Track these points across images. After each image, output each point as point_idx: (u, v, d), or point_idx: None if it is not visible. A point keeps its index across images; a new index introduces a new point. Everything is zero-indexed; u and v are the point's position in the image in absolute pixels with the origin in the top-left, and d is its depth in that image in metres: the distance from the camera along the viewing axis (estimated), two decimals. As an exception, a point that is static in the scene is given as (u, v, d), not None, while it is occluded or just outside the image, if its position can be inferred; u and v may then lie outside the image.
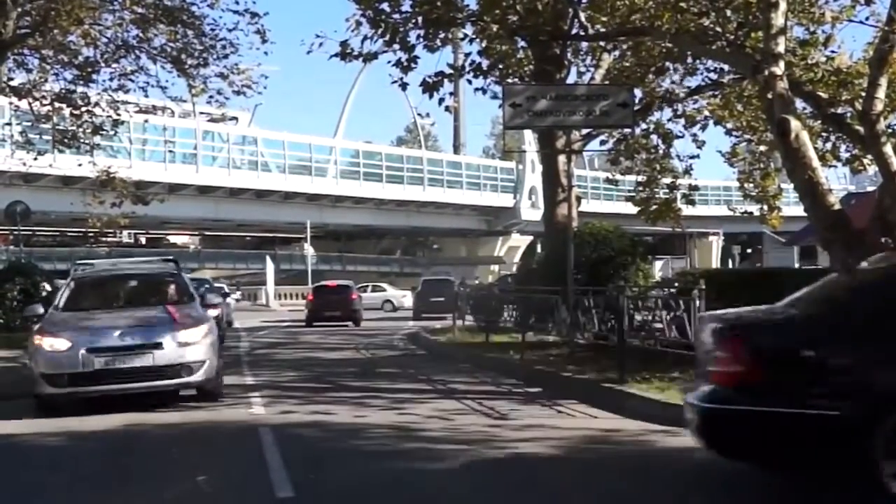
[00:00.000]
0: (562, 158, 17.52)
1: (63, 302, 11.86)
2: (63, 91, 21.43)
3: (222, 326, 18.53)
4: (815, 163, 11.56)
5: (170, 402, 10.80)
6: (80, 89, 21.32)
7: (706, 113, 20.89)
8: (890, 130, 14.32)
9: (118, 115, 21.75)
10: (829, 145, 18.92)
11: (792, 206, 26.31)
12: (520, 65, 19.39)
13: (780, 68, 11.50)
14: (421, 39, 16.10)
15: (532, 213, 61.40)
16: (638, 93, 18.28)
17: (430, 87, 15.58)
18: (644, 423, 8.96)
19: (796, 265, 32.32)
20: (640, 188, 21.93)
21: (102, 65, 20.98)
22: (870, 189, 25.33)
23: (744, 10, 13.90)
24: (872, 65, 12.02)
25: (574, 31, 17.25)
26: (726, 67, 17.39)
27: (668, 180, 21.67)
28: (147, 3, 19.89)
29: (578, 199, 19.10)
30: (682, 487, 6.77)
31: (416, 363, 16.44)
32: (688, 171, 21.95)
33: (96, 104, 21.23)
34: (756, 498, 6.47)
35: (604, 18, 16.96)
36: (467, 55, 18.23)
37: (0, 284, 20.69)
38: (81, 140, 22.43)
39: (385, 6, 15.92)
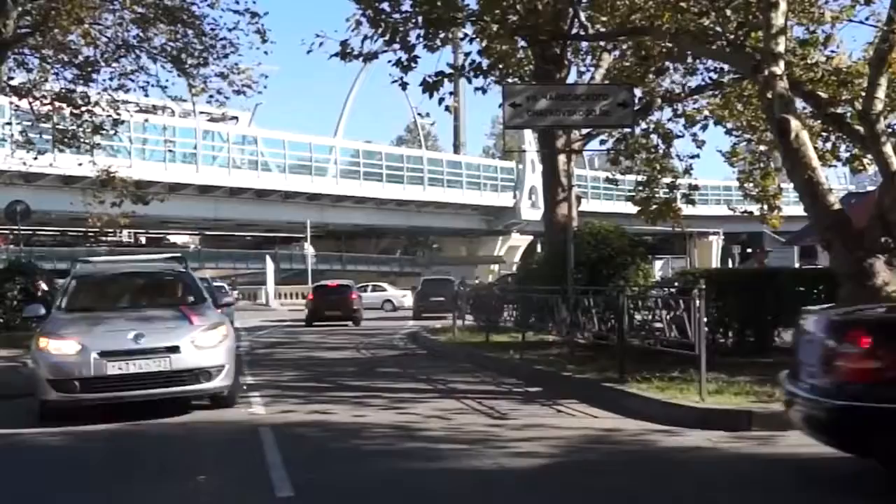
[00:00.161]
0: (562, 158, 17.51)
1: (66, 302, 11.11)
2: (63, 90, 21.44)
3: None
4: (815, 162, 11.56)
5: (170, 402, 10.59)
6: (80, 89, 21.34)
7: (706, 113, 20.88)
8: (890, 130, 14.32)
9: (118, 114, 21.78)
10: (829, 145, 18.91)
11: (792, 206, 26.30)
12: (520, 64, 19.38)
13: (780, 68, 11.50)
14: (421, 39, 16.09)
15: (532, 212, 61.46)
16: (638, 92, 18.28)
17: (430, 87, 15.56)
18: (644, 423, 8.97)
19: (796, 265, 32.32)
20: (640, 188, 21.91)
21: (102, 64, 21.00)
22: (870, 189, 25.32)
23: (744, 10, 13.88)
24: (872, 65, 12.03)
25: (574, 31, 17.24)
26: (726, 67, 17.38)
27: (668, 180, 21.64)
28: (147, 2, 19.91)
29: (578, 198, 19.08)
30: (682, 487, 6.77)
31: (416, 363, 16.45)
32: (688, 171, 21.94)
33: (96, 104, 21.25)
34: (756, 497, 6.46)
35: (604, 18, 16.96)
36: (467, 55, 18.21)
37: (0, 284, 20.72)
38: (81, 139, 22.45)
39: (385, 6, 15.92)
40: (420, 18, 15.65)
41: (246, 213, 59.20)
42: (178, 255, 13.31)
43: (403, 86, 16.20)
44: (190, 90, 21.95)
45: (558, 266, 14.87)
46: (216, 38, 20.40)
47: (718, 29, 13.47)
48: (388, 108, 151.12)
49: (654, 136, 21.25)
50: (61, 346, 9.79)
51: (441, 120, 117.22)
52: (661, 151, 21.45)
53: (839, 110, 14.99)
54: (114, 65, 21.09)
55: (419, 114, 25.94)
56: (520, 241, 68.36)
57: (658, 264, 34.96)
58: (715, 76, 18.89)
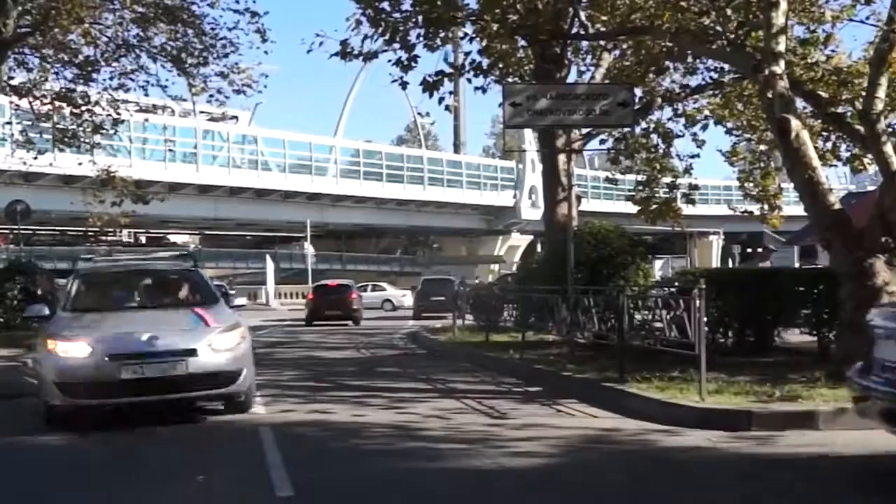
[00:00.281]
0: (562, 157, 17.51)
1: (72, 301, 10.51)
2: (63, 90, 21.46)
3: None
4: (815, 162, 11.55)
5: (178, 405, 10.18)
6: (80, 88, 21.37)
7: (706, 112, 20.86)
8: (890, 130, 14.29)
9: (118, 114, 21.79)
10: (829, 145, 18.88)
11: (792, 206, 26.29)
12: (520, 64, 19.37)
13: (780, 67, 11.49)
14: (421, 38, 16.09)
15: (532, 212, 61.48)
16: (638, 92, 18.27)
17: (430, 87, 15.56)
18: (644, 423, 8.97)
19: (796, 265, 32.31)
20: (640, 187, 21.89)
21: (103, 64, 21.03)
22: (870, 189, 25.29)
23: (744, 10, 13.86)
24: (872, 64, 12.01)
25: (574, 30, 17.24)
26: (726, 67, 17.37)
27: (668, 180, 21.62)
28: (147, 2, 19.93)
29: (578, 198, 19.08)
30: (682, 487, 6.77)
31: (416, 362, 16.44)
32: (688, 171, 21.91)
33: (96, 103, 21.27)
34: (756, 497, 6.46)
35: (604, 17, 16.94)
36: (467, 54, 18.22)
37: (0, 283, 20.73)
38: (82, 139, 22.47)
39: (385, 5, 15.91)
40: (420, 18, 15.64)
41: (246, 213, 59.22)
42: (186, 251, 12.99)
43: (403, 85, 16.20)
44: (190, 90, 21.98)
45: (558, 266, 14.87)
46: (216, 37, 20.44)
47: (719, 28, 13.45)
48: (388, 108, 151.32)
49: (654, 136, 21.23)
50: (70, 349, 9.25)
51: (441, 119, 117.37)
52: (661, 151, 21.43)
53: (839, 110, 14.97)
54: (114, 64, 21.13)
55: (419, 113, 25.93)
56: (520, 240, 68.36)
57: (658, 264, 34.90)
58: (715, 76, 18.86)
